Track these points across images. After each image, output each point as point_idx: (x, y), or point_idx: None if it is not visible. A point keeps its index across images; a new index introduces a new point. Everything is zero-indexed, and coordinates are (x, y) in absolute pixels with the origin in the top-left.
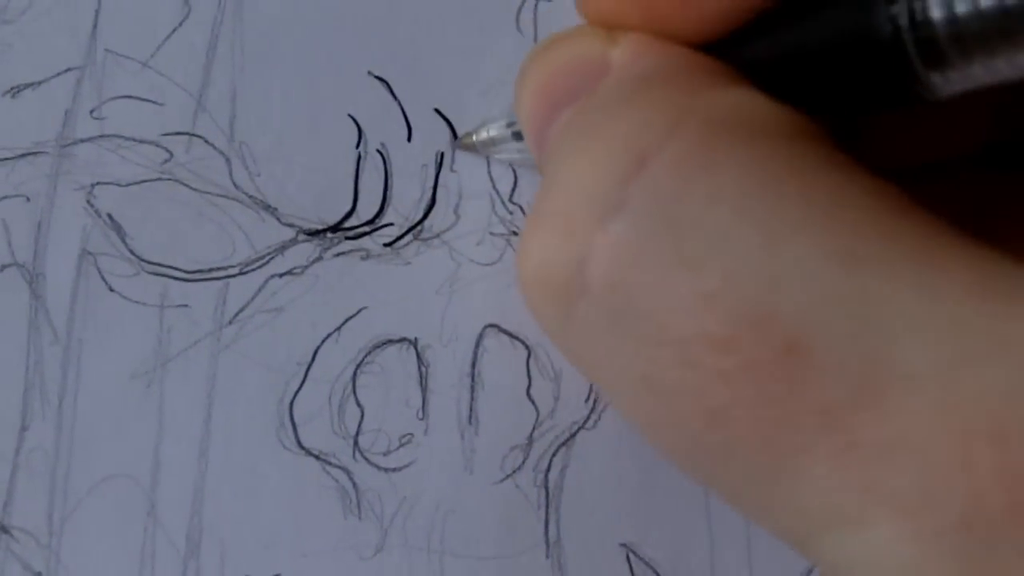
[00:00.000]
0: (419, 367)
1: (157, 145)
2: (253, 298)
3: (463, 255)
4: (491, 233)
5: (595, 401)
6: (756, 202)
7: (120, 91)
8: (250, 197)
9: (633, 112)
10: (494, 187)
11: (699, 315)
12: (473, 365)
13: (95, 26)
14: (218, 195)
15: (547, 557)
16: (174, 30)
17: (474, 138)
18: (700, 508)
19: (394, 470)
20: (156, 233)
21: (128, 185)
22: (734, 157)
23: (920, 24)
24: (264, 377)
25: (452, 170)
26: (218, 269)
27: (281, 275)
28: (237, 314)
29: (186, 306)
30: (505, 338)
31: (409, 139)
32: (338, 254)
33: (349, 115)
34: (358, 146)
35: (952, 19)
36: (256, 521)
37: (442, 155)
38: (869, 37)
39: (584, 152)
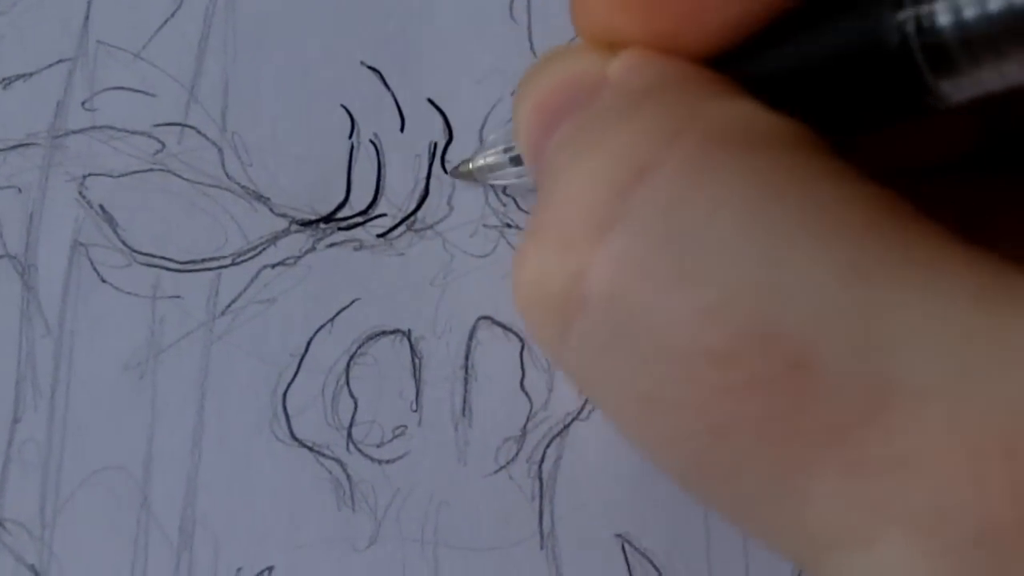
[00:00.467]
0: (412, 359)
1: (149, 136)
2: (246, 289)
3: (456, 246)
4: (485, 225)
5: None
6: (757, 214)
7: (112, 82)
8: (242, 187)
9: (632, 123)
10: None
11: (701, 329)
12: (467, 357)
13: (87, 17)
14: (210, 185)
15: (541, 548)
16: (166, 21)
17: (471, 165)
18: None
19: (388, 462)
20: (148, 224)
21: (120, 176)
22: (734, 168)
23: (927, 31)
24: (257, 368)
25: (445, 162)
26: (210, 260)
27: (274, 266)
28: (230, 305)
29: (178, 297)
30: (499, 330)
31: (402, 129)
32: (331, 245)
33: (342, 105)
34: (351, 136)
35: (960, 24)
36: (249, 513)
37: (435, 145)
38: (876, 47)
39: (581, 164)
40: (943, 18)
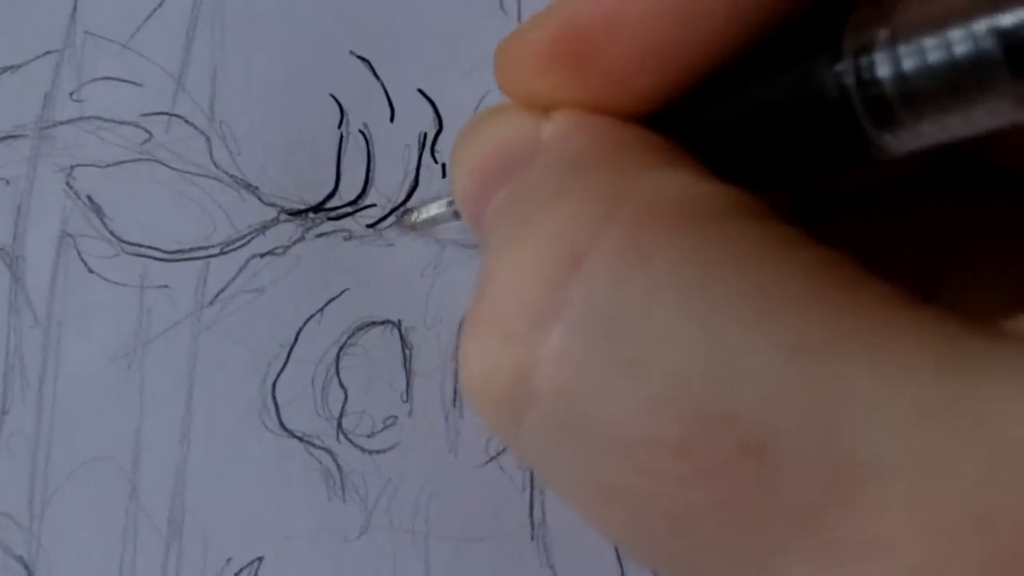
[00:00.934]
0: (403, 349)
1: (137, 126)
2: (234, 278)
3: (447, 237)
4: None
5: None
6: (697, 296)
7: (100, 73)
8: (231, 177)
9: (563, 204)
10: None
11: (650, 420)
12: (457, 347)
13: (74, 8)
14: (198, 175)
15: (532, 539)
16: (154, 11)
17: (414, 218)
18: None
19: (378, 452)
20: (136, 214)
21: (108, 166)
22: (669, 247)
23: (868, 83)
24: (246, 358)
25: (435, 152)
26: (198, 249)
27: (262, 255)
28: (218, 294)
29: (166, 287)
30: None
31: (392, 120)
32: (320, 235)
33: (331, 95)
34: (340, 126)
35: (900, 76)
36: (239, 503)
37: (425, 136)
38: (815, 99)
39: (516, 251)
40: (883, 69)
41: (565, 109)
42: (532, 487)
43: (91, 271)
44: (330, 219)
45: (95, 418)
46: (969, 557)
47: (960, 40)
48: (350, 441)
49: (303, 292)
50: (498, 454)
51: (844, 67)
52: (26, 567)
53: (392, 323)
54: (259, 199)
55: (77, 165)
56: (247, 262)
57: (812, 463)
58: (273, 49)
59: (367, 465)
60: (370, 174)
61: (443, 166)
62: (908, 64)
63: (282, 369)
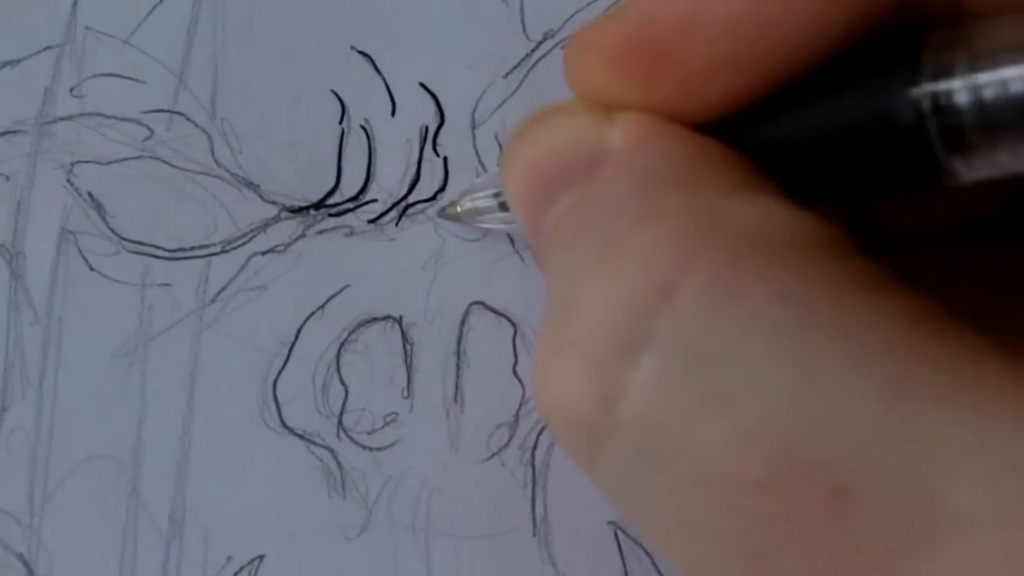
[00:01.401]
0: (404, 345)
1: (138, 123)
2: (235, 276)
3: (448, 231)
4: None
5: None
6: (791, 335)
7: (100, 69)
8: (232, 174)
9: (650, 229)
10: (480, 162)
11: (738, 456)
12: (459, 343)
13: (75, 4)
14: (199, 172)
15: (534, 535)
16: (154, 7)
17: (458, 208)
18: None
19: (379, 449)
20: (137, 211)
21: (109, 163)
22: (763, 283)
23: (944, 109)
24: (247, 356)
25: (436, 146)
26: (200, 247)
27: (264, 253)
28: (219, 292)
29: (168, 285)
30: (491, 315)
31: (393, 114)
32: (321, 231)
33: (332, 90)
34: (341, 122)
35: (979, 104)
36: (240, 501)
37: (427, 130)
38: (888, 122)
39: (603, 276)
40: (961, 97)
41: (632, 113)
42: (534, 484)
43: (92, 268)
44: (331, 215)
45: (96, 416)
46: None
47: None
48: (351, 438)
49: (304, 289)
50: (500, 450)
51: (921, 91)
52: (26, 565)
53: (393, 319)
54: (260, 197)
55: (78, 162)
56: (248, 260)
57: (898, 510)
58: (274, 45)
59: (368, 462)
60: (371, 169)
61: (445, 160)
62: (987, 93)
63: (283, 367)
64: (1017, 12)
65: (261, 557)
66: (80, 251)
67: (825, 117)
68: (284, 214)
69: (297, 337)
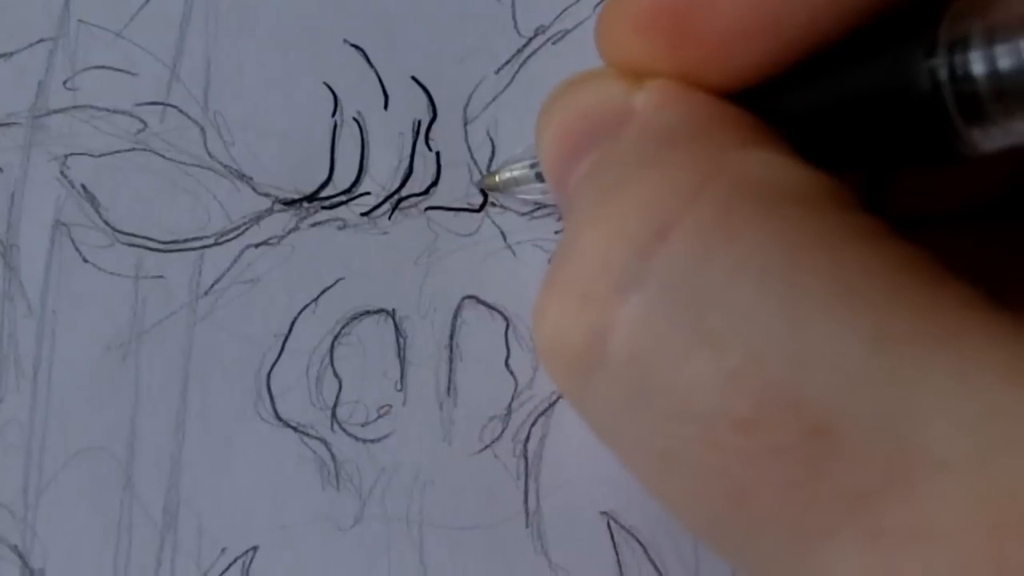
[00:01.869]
0: (397, 338)
1: (131, 115)
2: (229, 269)
3: (441, 225)
4: (469, 203)
5: None
6: (780, 276)
7: (93, 61)
8: (225, 167)
9: (655, 173)
10: (472, 157)
11: (722, 393)
12: (451, 336)
13: None
14: (193, 165)
15: (527, 527)
16: (148, 0)
17: (497, 178)
18: None
19: (372, 441)
20: (130, 204)
21: (102, 156)
22: (758, 227)
23: (961, 79)
24: (241, 348)
25: (429, 140)
26: (193, 239)
27: (257, 245)
28: (213, 285)
29: (161, 277)
30: (483, 309)
31: (386, 107)
32: (314, 224)
33: (325, 83)
34: (334, 115)
35: (996, 74)
36: (234, 493)
37: (419, 123)
38: (906, 91)
39: (604, 217)
40: (977, 67)
41: (659, 79)
42: (527, 475)
43: (86, 260)
44: (324, 208)
45: (90, 408)
46: (1013, 562)
47: None
48: (344, 431)
49: (297, 282)
50: (493, 442)
51: (938, 61)
52: (20, 557)
53: (386, 312)
54: (253, 189)
55: (71, 154)
56: (242, 253)
57: (876, 451)
58: (267, 38)
59: (361, 454)
60: (364, 162)
61: (437, 154)
62: (1004, 63)
63: (277, 359)
64: None
65: (255, 548)
66: (74, 243)
67: (845, 86)
68: (277, 206)
69: (291, 330)
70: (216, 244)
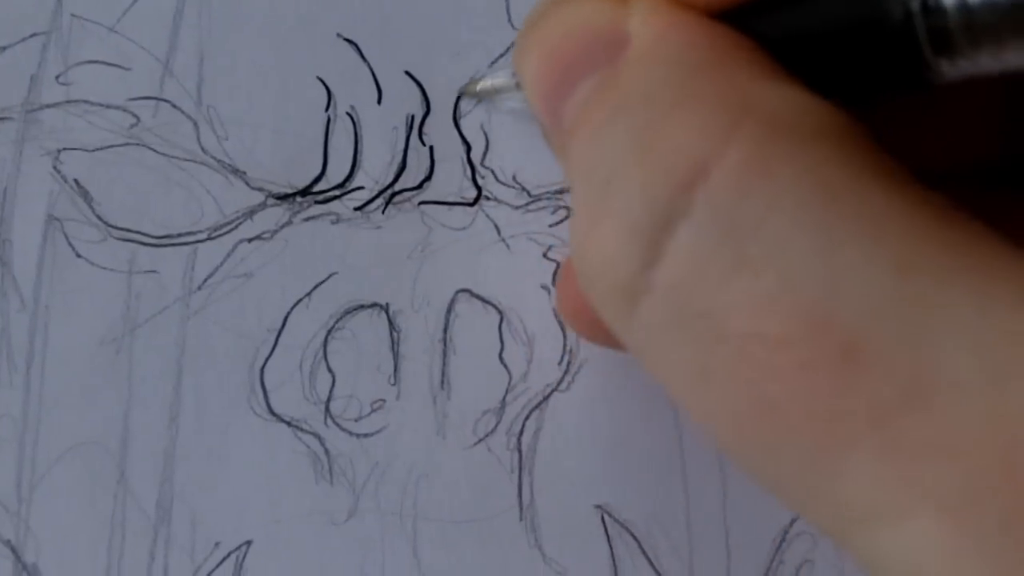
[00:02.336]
0: (391, 332)
1: (124, 110)
2: (222, 263)
3: (435, 219)
4: (463, 198)
5: (568, 364)
6: (813, 210)
7: (87, 56)
8: (218, 161)
9: (685, 113)
10: (466, 151)
11: (758, 314)
12: (445, 330)
13: None
14: (186, 159)
15: (521, 520)
16: None
17: (478, 87)
18: (675, 469)
19: (366, 435)
20: (123, 198)
21: (95, 150)
22: (791, 164)
23: (932, 11)
24: (234, 343)
25: (423, 135)
26: (186, 234)
27: (250, 240)
28: (206, 280)
29: (154, 272)
30: (477, 303)
31: (379, 102)
32: (308, 218)
33: (318, 78)
34: (327, 109)
35: (964, 7)
36: (227, 488)
37: (413, 118)
38: (879, 20)
39: (643, 158)
40: (948, 0)
41: (645, 0)
42: (521, 469)
43: (79, 255)
44: (317, 203)
45: (83, 402)
46: (1023, 474)
47: None
48: (338, 425)
49: (291, 276)
50: (487, 436)
51: None
52: (13, 551)
53: (380, 306)
54: (247, 184)
55: (64, 149)
56: (235, 247)
57: (898, 369)
58: (260, 33)
59: (355, 449)
60: (357, 156)
61: (431, 148)
62: None
63: (270, 354)
64: None
65: (249, 543)
66: (67, 238)
67: (820, 14)
68: (270, 201)
69: (284, 324)
70: (209, 239)
